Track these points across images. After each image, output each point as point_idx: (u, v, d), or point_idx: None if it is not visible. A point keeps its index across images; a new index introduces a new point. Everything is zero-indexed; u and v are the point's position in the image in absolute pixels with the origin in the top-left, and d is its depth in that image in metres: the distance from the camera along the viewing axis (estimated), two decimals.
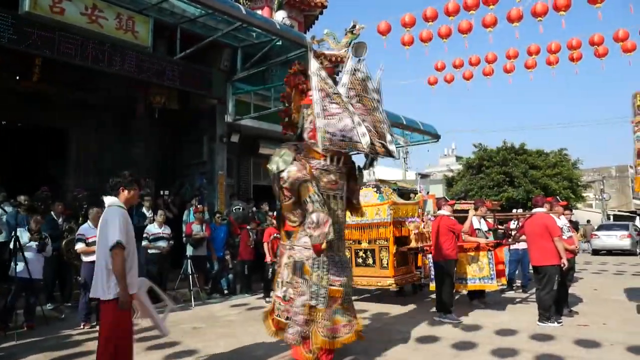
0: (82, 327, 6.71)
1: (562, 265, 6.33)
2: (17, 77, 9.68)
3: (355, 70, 5.13)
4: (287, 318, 4.68)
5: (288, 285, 4.72)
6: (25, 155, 11.47)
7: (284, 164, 4.71)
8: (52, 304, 7.85)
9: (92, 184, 10.13)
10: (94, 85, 10.76)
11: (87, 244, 6.79)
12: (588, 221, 27.54)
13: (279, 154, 4.82)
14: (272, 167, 4.81)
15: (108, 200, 3.90)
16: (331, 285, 4.70)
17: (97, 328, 6.63)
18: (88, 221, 7.11)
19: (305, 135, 5.09)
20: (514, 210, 15.59)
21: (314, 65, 4.84)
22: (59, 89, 10.43)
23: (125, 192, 3.92)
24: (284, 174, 4.67)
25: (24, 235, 6.63)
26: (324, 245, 4.47)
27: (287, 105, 5.46)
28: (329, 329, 4.62)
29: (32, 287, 6.62)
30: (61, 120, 11.01)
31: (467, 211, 8.01)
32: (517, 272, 9.93)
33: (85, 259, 6.80)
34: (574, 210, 14.95)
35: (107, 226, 3.73)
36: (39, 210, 7.91)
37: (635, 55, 11.07)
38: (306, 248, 4.69)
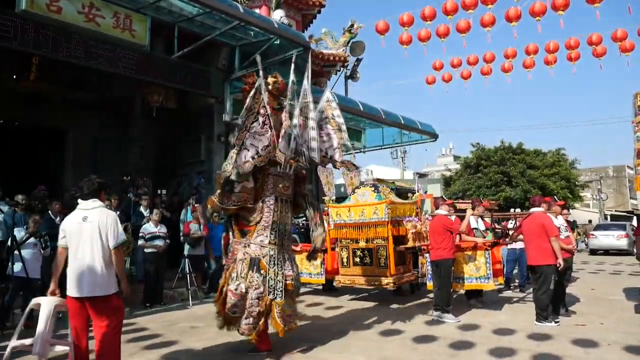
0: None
1: (558, 265, 6.34)
2: (15, 77, 9.65)
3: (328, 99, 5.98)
4: (234, 312, 5.07)
5: (242, 279, 5.09)
6: (22, 155, 11.44)
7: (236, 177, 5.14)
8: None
9: None
10: (92, 84, 10.74)
11: None
12: (590, 221, 27.65)
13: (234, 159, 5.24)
14: (226, 169, 5.28)
15: (94, 202, 4.14)
16: (285, 280, 5.21)
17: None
18: None
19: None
20: (512, 210, 15.63)
21: (261, 82, 5.34)
22: (57, 88, 10.41)
23: (104, 195, 4.29)
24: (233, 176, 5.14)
25: (21, 234, 6.61)
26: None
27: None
28: (284, 319, 5.17)
29: (29, 286, 6.59)
30: (58, 120, 11.00)
31: (464, 211, 8.01)
32: (514, 271, 9.94)
33: None
34: (571, 210, 14.97)
35: (107, 225, 4.00)
36: (36, 209, 7.89)
37: (634, 55, 11.10)
38: (262, 246, 5.20)
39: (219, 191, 5.26)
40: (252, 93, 5.24)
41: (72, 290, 3.94)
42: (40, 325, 4.18)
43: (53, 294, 4.23)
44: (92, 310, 3.97)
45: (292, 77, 5.62)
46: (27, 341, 4.30)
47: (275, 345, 5.47)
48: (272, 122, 5.26)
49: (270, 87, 5.47)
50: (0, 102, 9.78)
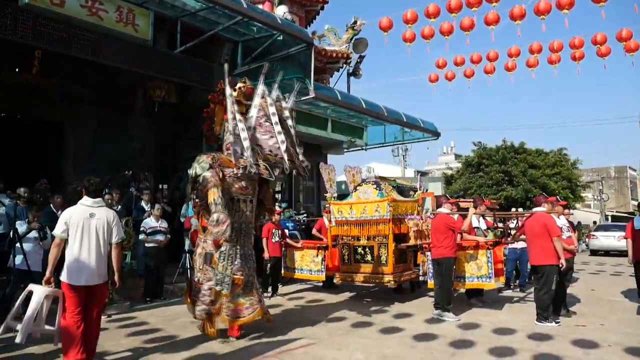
0: None
1: (560, 265, 6.32)
2: (17, 70, 9.63)
3: (264, 94, 6.14)
4: (197, 298, 5.67)
5: (200, 272, 5.68)
6: (24, 148, 11.43)
7: (201, 170, 5.59)
8: None
9: (91, 177, 10.08)
10: (93, 78, 10.70)
11: None
12: (594, 222, 27.65)
13: (198, 160, 5.68)
14: (191, 172, 5.68)
15: (100, 201, 4.68)
16: (234, 274, 5.61)
17: None
18: None
19: (224, 146, 5.97)
20: (512, 210, 15.61)
21: (228, 90, 5.72)
22: (58, 81, 10.38)
23: (106, 195, 4.79)
24: (200, 179, 5.58)
25: (23, 227, 6.62)
26: (221, 241, 5.47)
27: (208, 120, 6.40)
28: (231, 309, 5.64)
29: (31, 278, 6.58)
30: (60, 113, 10.97)
31: (466, 209, 7.99)
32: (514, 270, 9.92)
33: None
34: (571, 211, 14.94)
35: (112, 223, 4.59)
36: (38, 203, 7.89)
37: (639, 55, 11.04)
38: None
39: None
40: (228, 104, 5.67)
41: (74, 279, 4.35)
42: (28, 313, 4.42)
43: (48, 282, 4.49)
44: (90, 297, 4.45)
45: (261, 85, 6.06)
46: (18, 326, 4.51)
47: (275, 342, 5.52)
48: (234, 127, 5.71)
49: (236, 92, 5.92)
50: (2, 95, 9.76)
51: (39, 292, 4.50)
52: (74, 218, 4.45)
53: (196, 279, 5.74)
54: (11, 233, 6.45)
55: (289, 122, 6.27)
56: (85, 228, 4.42)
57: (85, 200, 4.60)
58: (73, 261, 4.36)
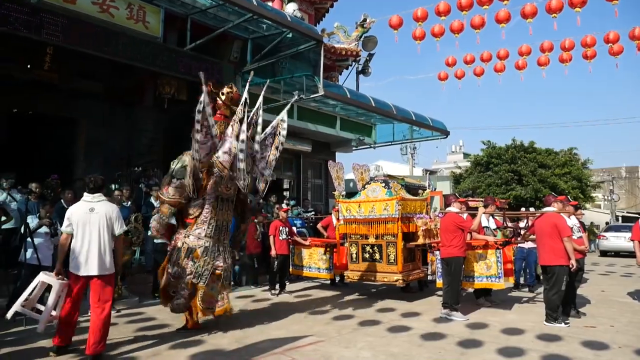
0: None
1: (570, 266, 6.27)
2: (29, 66, 9.71)
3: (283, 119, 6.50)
4: (174, 292, 5.87)
5: (178, 265, 5.80)
6: (35, 144, 11.53)
7: (181, 167, 5.83)
8: None
9: (101, 173, 10.14)
10: (104, 75, 10.78)
11: None
12: (607, 223, 27.42)
13: (180, 159, 5.92)
14: (172, 166, 5.92)
15: (100, 196, 4.95)
16: (215, 269, 5.93)
17: None
18: None
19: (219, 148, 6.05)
20: (522, 209, 15.51)
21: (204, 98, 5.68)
22: (70, 78, 10.45)
23: (116, 191, 5.05)
24: (175, 173, 5.85)
25: (34, 222, 6.69)
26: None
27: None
28: (206, 302, 5.89)
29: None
30: (71, 109, 11.05)
31: (475, 209, 7.95)
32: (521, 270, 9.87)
33: None
34: (582, 211, 14.81)
35: (112, 216, 4.87)
36: (49, 198, 7.97)
37: None
38: (199, 238, 5.91)
39: (171, 189, 5.89)
40: (198, 107, 5.65)
41: (80, 270, 4.72)
42: (49, 305, 4.79)
43: (59, 274, 4.88)
44: (94, 288, 4.77)
45: (245, 94, 6.18)
46: (31, 314, 4.93)
47: (283, 339, 5.53)
48: (218, 130, 5.91)
49: (224, 97, 6.14)
50: (14, 91, 9.85)
51: (56, 285, 4.81)
52: (75, 214, 4.82)
53: (172, 272, 5.84)
54: (22, 228, 6.52)
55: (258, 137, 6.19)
56: (86, 222, 4.76)
57: (86, 196, 4.93)
58: (75, 253, 4.74)
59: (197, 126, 5.62)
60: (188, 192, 5.83)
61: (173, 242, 6.07)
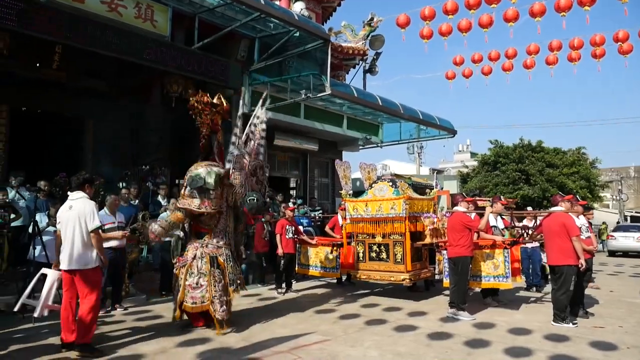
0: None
1: (579, 265, 6.23)
2: (37, 65, 9.77)
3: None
4: (194, 303, 5.81)
5: (202, 275, 5.86)
6: (44, 142, 11.60)
7: (214, 181, 5.89)
8: None
9: (109, 171, 10.22)
10: (112, 73, 10.82)
11: (104, 231, 6.84)
12: (618, 223, 27.24)
13: (211, 171, 5.94)
14: (209, 180, 5.88)
15: (77, 194, 5.07)
16: (240, 273, 6.27)
17: (112, 312, 6.79)
18: (105, 208, 7.19)
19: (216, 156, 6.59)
20: (529, 209, 15.41)
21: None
22: (78, 76, 10.51)
23: (90, 188, 5.19)
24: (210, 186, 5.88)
25: (43, 220, 6.74)
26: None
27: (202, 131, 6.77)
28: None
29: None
30: (79, 108, 11.10)
31: (483, 208, 7.91)
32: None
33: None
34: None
35: (85, 214, 4.92)
36: (57, 196, 8.02)
37: None
38: (218, 247, 6.05)
39: (196, 200, 5.93)
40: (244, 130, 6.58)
41: (63, 264, 4.94)
42: (44, 292, 5.09)
43: (56, 266, 5.14)
44: (78, 281, 4.92)
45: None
46: (33, 302, 5.29)
47: (289, 337, 5.54)
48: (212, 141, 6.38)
49: (216, 108, 6.48)
50: (23, 90, 9.92)
51: (51, 275, 5.17)
52: (59, 212, 5.11)
53: (194, 282, 5.86)
54: (31, 226, 6.57)
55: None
56: (67, 220, 4.97)
57: (69, 194, 5.18)
58: (62, 249, 4.99)
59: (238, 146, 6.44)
60: (220, 202, 6.08)
61: (186, 252, 6.14)
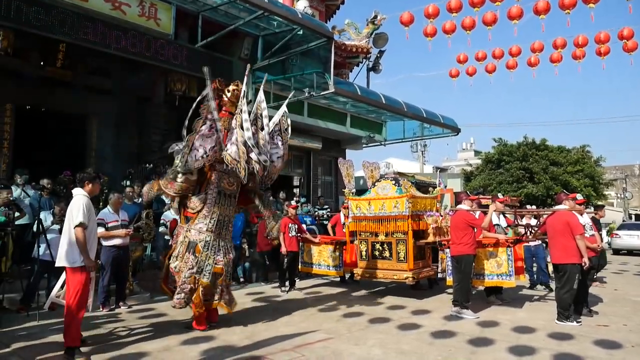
0: (100, 309, 6.82)
1: (583, 264, 6.21)
2: (42, 63, 9.81)
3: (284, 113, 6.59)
4: (175, 287, 5.85)
5: (180, 259, 5.81)
6: (48, 140, 11.64)
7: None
8: None
9: (113, 169, 10.24)
10: (115, 71, 10.85)
11: (107, 229, 6.89)
12: (623, 220, 27.18)
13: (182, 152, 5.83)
14: (177, 161, 5.94)
15: (76, 191, 5.05)
16: (216, 264, 5.88)
17: (116, 310, 6.82)
18: (108, 206, 7.21)
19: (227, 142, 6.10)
20: (532, 207, 15.35)
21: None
22: (81, 75, 10.55)
23: (90, 185, 5.08)
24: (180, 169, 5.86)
25: (47, 218, 6.75)
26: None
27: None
28: (204, 295, 5.86)
29: (54, 268, 6.73)
30: (83, 106, 11.14)
31: (486, 206, 7.89)
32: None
33: (105, 243, 6.89)
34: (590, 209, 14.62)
35: (72, 210, 4.83)
36: (61, 194, 8.04)
37: None
38: (200, 232, 5.88)
39: (163, 180, 6.04)
40: (201, 99, 5.89)
41: (57, 260, 4.96)
42: (56, 287, 5.20)
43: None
44: (67, 280, 4.91)
45: (244, 87, 6.18)
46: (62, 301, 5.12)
47: (293, 335, 5.54)
48: (222, 125, 5.93)
49: (229, 94, 6.14)
50: (27, 88, 9.95)
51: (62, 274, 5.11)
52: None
53: (173, 267, 5.85)
54: (35, 224, 6.59)
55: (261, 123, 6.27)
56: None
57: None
58: None
59: (200, 121, 5.78)
60: (189, 187, 5.94)
61: (175, 236, 6.14)
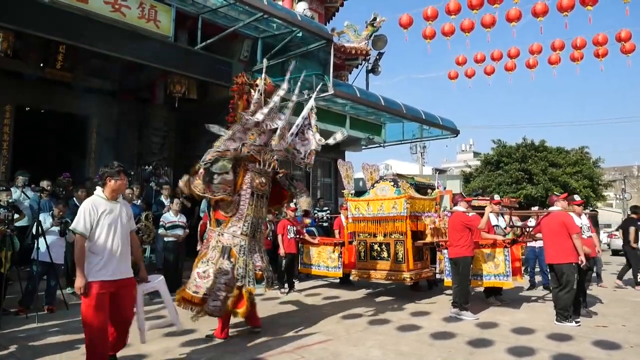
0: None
1: (580, 262, 6.22)
2: (41, 64, 9.82)
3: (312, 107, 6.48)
4: (195, 292, 5.37)
5: (212, 265, 5.45)
6: (48, 141, 11.65)
7: (226, 165, 5.54)
8: (73, 287, 7.97)
9: None
10: (115, 73, 10.86)
11: None
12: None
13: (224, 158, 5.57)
14: (218, 164, 5.56)
15: (95, 191, 4.30)
16: (255, 269, 5.63)
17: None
18: None
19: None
20: (535, 208, 15.38)
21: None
22: (81, 76, 10.57)
23: (112, 181, 4.21)
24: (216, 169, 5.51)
25: (46, 220, 6.76)
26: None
27: (233, 111, 6.40)
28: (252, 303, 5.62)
29: (53, 270, 6.75)
30: (83, 107, 11.16)
31: (483, 207, 7.91)
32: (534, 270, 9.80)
33: None
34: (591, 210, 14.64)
35: None
36: (61, 196, 8.05)
37: None
38: (234, 236, 5.58)
39: (198, 180, 5.55)
40: (255, 95, 5.85)
41: None
42: (167, 303, 4.89)
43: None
44: None
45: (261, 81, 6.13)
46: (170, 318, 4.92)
47: (292, 337, 5.55)
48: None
49: (259, 88, 5.95)
50: (27, 89, 9.97)
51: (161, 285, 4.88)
52: None
53: (201, 271, 5.48)
54: (35, 226, 6.59)
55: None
56: None
57: None
58: None
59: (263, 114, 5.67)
60: (227, 188, 5.55)
61: (205, 240, 5.87)
